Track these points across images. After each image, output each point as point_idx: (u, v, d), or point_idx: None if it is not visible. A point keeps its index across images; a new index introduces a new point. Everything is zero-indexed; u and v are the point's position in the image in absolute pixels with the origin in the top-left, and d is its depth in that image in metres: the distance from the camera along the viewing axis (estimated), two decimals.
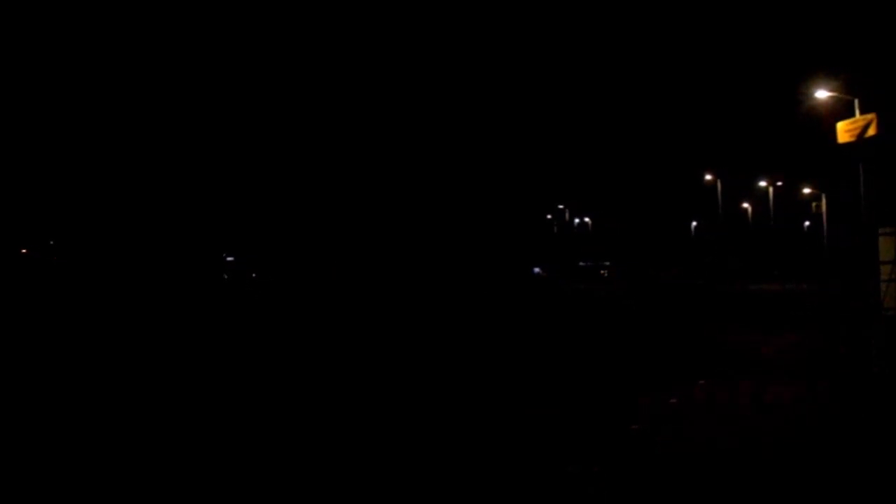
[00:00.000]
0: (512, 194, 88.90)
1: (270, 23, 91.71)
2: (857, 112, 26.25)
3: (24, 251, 79.45)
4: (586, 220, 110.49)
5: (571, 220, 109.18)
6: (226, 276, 72.18)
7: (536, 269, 75.05)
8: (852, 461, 10.55)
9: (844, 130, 25.53)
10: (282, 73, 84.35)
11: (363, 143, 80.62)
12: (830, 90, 30.98)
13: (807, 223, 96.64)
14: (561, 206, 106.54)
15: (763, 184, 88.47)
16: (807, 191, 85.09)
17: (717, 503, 9.33)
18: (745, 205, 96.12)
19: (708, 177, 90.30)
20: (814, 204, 78.19)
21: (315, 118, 79.59)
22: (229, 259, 78.49)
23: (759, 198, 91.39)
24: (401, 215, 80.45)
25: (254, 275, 73.20)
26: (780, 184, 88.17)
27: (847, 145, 25.63)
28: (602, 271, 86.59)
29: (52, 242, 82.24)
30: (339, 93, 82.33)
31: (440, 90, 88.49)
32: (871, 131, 24.44)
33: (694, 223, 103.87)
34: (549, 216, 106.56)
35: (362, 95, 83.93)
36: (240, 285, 63.11)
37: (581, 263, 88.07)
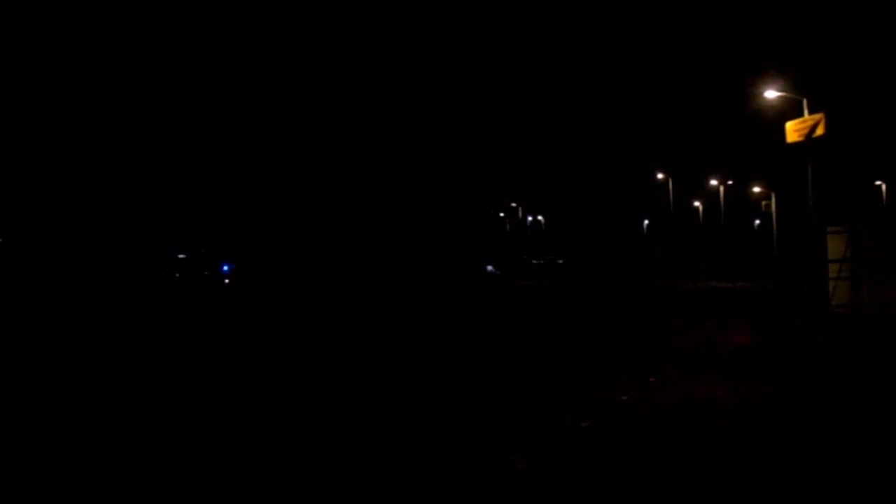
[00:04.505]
0: (464, 192, 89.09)
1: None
2: (806, 112, 26.55)
3: None
4: (539, 218, 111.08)
5: (524, 218, 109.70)
6: (177, 275, 71.17)
7: (489, 267, 75.12)
8: (789, 454, 10.65)
9: (793, 130, 25.76)
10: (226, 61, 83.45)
11: (311, 137, 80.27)
12: (779, 90, 31.35)
13: (757, 222, 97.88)
14: (514, 205, 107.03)
15: (714, 182, 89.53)
16: (757, 190, 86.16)
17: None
18: (697, 203, 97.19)
19: (660, 175, 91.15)
20: (764, 203, 79.17)
21: (249, 113, 78.89)
22: (181, 256, 77.40)
23: (710, 196, 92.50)
24: (347, 212, 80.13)
25: (206, 272, 72.30)
26: (730, 183, 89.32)
27: (796, 145, 25.84)
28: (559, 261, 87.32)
29: None
30: (283, 86, 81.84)
31: (391, 87, 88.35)
32: (820, 131, 24.67)
33: (646, 221, 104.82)
34: (501, 214, 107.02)
35: (313, 91, 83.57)
36: (192, 283, 62.26)
37: (534, 261, 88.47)
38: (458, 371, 17.72)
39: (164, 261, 69.18)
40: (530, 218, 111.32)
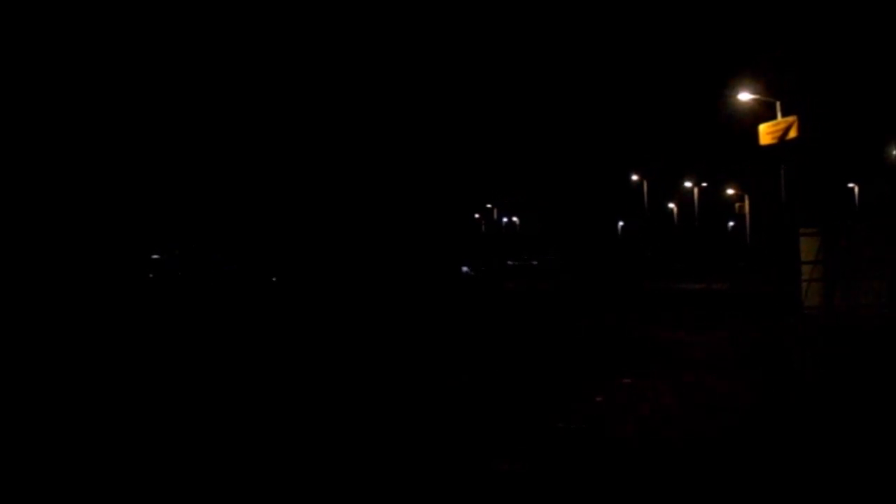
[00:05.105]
0: (438, 193, 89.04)
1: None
2: (779, 115, 26.77)
3: None
4: (514, 219, 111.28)
5: (499, 220, 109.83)
6: (151, 275, 70.69)
7: (465, 269, 75.16)
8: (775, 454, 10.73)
9: (766, 132, 26.01)
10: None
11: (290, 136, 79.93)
12: (753, 93, 31.59)
13: (731, 223, 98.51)
14: (489, 206, 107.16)
15: (688, 184, 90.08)
16: (730, 192, 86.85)
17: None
18: (671, 205, 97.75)
19: (634, 177, 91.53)
20: (737, 205, 79.85)
21: (217, 112, 78.16)
22: (154, 257, 76.86)
23: (684, 198, 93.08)
24: (321, 213, 79.77)
25: (179, 273, 71.76)
26: (704, 185, 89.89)
27: (769, 147, 26.07)
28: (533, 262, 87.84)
29: None
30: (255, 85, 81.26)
31: (365, 86, 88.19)
32: (793, 133, 24.92)
33: (621, 223, 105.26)
34: (476, 215, 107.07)
35: (286, 88, 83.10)
36: (167, 285, 61.89)
37: (509, 262, 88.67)
38: (439, 375, 17.78)
39: (143, 262, 68.79)
40: (505, 219, 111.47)
